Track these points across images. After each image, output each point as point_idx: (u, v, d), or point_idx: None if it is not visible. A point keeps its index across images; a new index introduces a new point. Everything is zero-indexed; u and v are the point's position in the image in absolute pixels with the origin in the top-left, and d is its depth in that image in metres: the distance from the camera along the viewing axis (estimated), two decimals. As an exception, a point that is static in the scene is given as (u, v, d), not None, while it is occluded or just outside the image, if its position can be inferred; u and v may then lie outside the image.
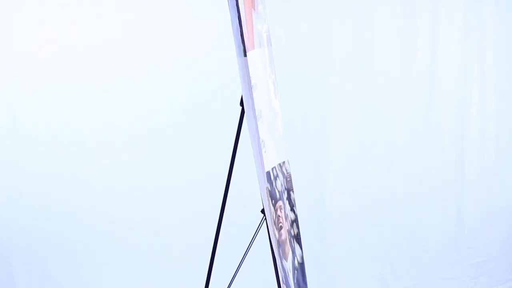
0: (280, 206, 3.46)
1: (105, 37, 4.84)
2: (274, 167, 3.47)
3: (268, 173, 3.39)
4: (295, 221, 3.68)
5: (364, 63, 5.14)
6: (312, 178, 5.10)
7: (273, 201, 3.41)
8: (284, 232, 3.47)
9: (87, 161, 4.92)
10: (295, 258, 3.61)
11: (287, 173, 3.66)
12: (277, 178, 3.48)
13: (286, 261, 3.46)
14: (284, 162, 3.61)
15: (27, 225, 4.87)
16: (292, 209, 3.67)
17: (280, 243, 3.42)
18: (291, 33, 5.00)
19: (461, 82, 5.27)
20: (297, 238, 3.67)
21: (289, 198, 3.64)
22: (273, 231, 3.18)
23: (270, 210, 3.19)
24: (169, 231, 5.02)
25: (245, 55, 3.03)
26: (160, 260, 4.99)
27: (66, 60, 4.83)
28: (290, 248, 3.52)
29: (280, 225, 3.44)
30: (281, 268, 3.34)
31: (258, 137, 3.13)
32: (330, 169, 5.17)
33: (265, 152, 3.38)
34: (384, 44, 5.13)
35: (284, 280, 3.34)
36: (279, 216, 3.44)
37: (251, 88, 3.08)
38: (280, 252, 3.41)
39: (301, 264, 3.67)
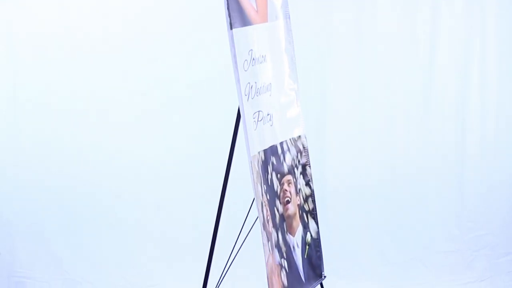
0: (289, 180, 3.45)
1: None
2: (285, 141, 3.45)
3: (274, 147, 3.37)
4: (310, 196, 3.67)
5: (364, 33, 5.12)
6: (312, 154, 5.08)
7: (279, 175, 3.40)
8: (292, 206, 3.46)
9: (89, 133, 4.91)
10: (308, 233, 3.60)
11: (304, 147, 3.64)
12: (287, 152, 3.47)
13: (293, 236, 3.46)
14: (299, 137, 3.60)
15: (28, 198, 4.86)
16: (308, 184, 3.66)
17: (285, 218, 3.42)
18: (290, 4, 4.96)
19: (461, 53, 5.24)
20: (312, 213, 3.66)
21: (304, 172, 3.63)
22: (262, 207, 3.16)
23: (256, 184, 3.16)
24: (171, 206, 5.02)
25: (231, 28, 3.05)
26: (162, 234, 5.00)
27: (66, 24, 4.80)
28: (300, 223, 3.52)
29: (286, 199, 3.43)
30: (281, 242, 3.34)
31: (244, 113, 3.11)
32: (330, 144, 5.16)
33: (271, 125, 3.36)
34: (385, 11, 5.10)
35: (285, 255, 3.34)
36: (285, 190, 3.43)
37: (237, 62, 3.08)
38: (285, 226, 3.40)
39: (316, 240, 3.67)
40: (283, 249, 3.37)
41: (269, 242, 3.20)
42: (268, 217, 3.24)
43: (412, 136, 5.30)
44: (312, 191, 3.69)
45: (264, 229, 3.16)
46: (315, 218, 3.66)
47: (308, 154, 3.64)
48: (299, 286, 3.46)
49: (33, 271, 4.77)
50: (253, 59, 3.24)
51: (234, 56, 3.09)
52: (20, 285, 4.71)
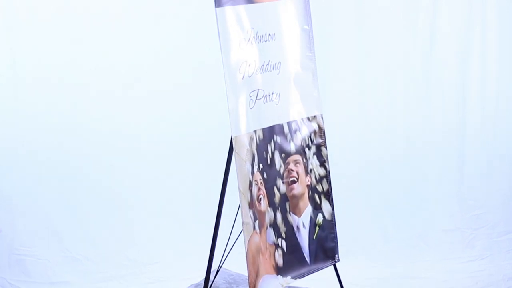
0: (296, 160, 3.42)
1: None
2: (295, 120, 3.42)
3: (279, 126, 3.35)
4: (325, 177, 3.62)
5: (364, 13, 5.10)
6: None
7: (283, 154, 3.38)
8: (299, 186, 3.44)
9: (92, 108, 4.90)
10: (320, 214, 3.57)
11: (320, 128, 3.59)
12: (297, 132, 3.43)
13: (298, 216, 3.43)
14: (315, 117, 3.56)
15: (28, 176, 4.84)
16: (323, 165, 3.61)
17: (288, 197, 3.40)
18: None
19: (462, 32, 5.23)
20: (327, 194, 3.61)
21: (319, 153, 3.59)
22: (249, 185, 3.16)
23: (244, 162, 3.15)
24: (172, 183, 5.02)
25: (217, 6, 3.05)
26: (163, 212, 5.00)
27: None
28: (309, 204, 3.49)
29: (291, 179, 3.41)
30: (279, 221, 3.32)
31: (231, 92, 3.11)
32: (330, 124, 5.10)
33: (276, 104, 3.34)
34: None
35: (283, 235, 3.33)
36: (291, 170, 3.41)
37: (220, 40, 3.07)
38: (287, 206, 3.38)
39: (330, 222, 3.62)
40: (282, 228, 3.36)
41: (257, 221, 3.19)
42: (261, 196, 3.23)
43: (412, 115, 5.30)
44: (328, 172, 3.62)
45: (250, 207, 3.15)
46: (329, 199, 3.61)
47: (324, 135, 3.59)
48: (301, 267, 3.45)
49: (33, 249, 4.76)
50: (254, 37, 3.21)
51: (226, 33, 3.07)
52: (20, 263, 4.70)
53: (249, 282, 3.17)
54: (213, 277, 3.62)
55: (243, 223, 3.14)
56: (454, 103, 5.32)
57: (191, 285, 4.09)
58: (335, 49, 5.13)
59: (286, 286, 3.37)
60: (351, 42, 5.17)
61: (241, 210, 3.13)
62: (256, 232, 3.19)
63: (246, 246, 3.14)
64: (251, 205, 3.18)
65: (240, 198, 3.13)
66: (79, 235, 4.85)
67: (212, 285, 3.72)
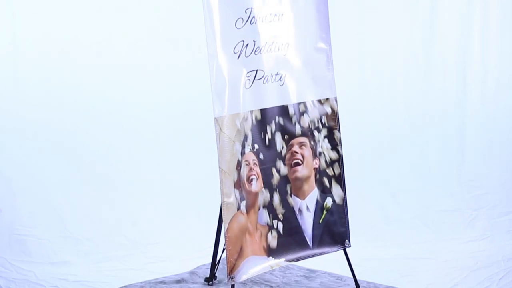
0: (302, 142, 3.39)
1: None
2: (303, 102, 3.38)
3: (282, 108, 3.33)
4: (337, 161, 3.57)
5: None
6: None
7: (286, 136, 3.36)
8: (305, 169, 3.40)
9: (89, 85, 4.89)
10: (329, 198, 3.52)
11: (333, 110, 3.53)
12: (304, 114, 3.40)
13: (302, 199, 3.40)
14: (328, 99, 3.50)
15: (29, 156, 4.82)
16: (335, 148, 3.56)
17: (290, 180, 3.38)
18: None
19: (463, 10, 5.22)
20: (338, 178, 3.56)
21: (331, 136, 3.54)
22: (238, 165, 3.17)
23: (233, 143, 3.15)
24: (173, 163, 5.02)
25: None
26: (163, 192, 5.00)
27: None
28: (315, 187, 3.46)
29: (295, 161, 3.38)
30: (276, 203, 3.32)
31: (219, 72, 3.11)
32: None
33: (281, 85, 3.32)
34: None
35: (280, 217, 3.32)
36: (295, 152, 3.37)
37: (207, 19, 3.08)
38: (288, 188, 3.36)
39: (340, 206, 3.56)
40: (279, 210, 3.35)
41: (244, 201, 3.19)
42: (253, 177, 3.23)
43: (412, 94, 5.29)
44: (341, 156, 3.58)
45: (236, 187, 3.15)
46: (341, 184, 3.56)
47: (337, 118, 3.54)
48: (300, 250, 3.42)
49: (33, 229, 4.75)
50: (253, 17, 3.18)
51: (220, 12, 3.07)
52: (20, 243, 4.69)
53: (227, 262, 3.16)
54: (220, 253, 3.63)
55: (222, 202, 3.13)
56: (454, 84, 5.32)
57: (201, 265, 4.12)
58: (335, 24, 5.08)
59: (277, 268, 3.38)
60: (351, 24, 5.14)
61: (222, 190, 3.12)
62: (241, 212, 3.19)
63: (226, 225, 3.13)
64: (237, 185, 3.17)
65: (220, 178, 3.12)
66: (79, 216, 4.84)
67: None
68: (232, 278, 3.17)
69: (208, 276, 3.78)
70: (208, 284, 3.74)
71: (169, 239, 4.85)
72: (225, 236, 3.14)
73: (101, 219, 4.86)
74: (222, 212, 3.15)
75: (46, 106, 4.81)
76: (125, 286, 3.84)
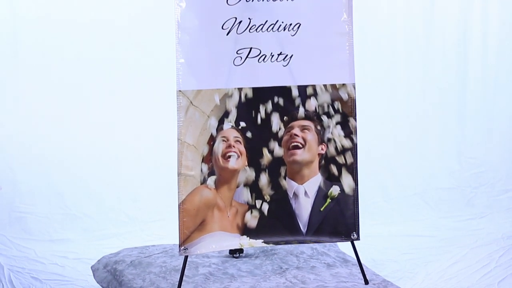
0: (304, 126, 3.29)
1: None
2: (311, 85, 3.30)
3: (284, 89, 3.28)
4: (350, 150, 3.35)
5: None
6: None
7: (286, 117, 3.31)
8: (306, 153, 3.29)
9: (87, 66, 4.87)
10: (336, 187, 3.35)
11: (349, 97, 3.34)
12: (312, 98, 3.30)
13: (299, 183, 3.32)
14: (344, 85, 3.32)
15: (29, 132, 4.82)
16: (349, 137, 3.34)
17: (285, 162, 3.31)
18: None
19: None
20: (350, 168, 3.35)
21: (345, 123, 3.34)
22: (211, 139, 3.19)
23: (208, 118, 3.17)
24: (173, 140, 4.98)
25: None
26: (163, 169, 4.98)
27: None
28: (319, 174, 3.32)
29: (293, 144, 3.31)
30: (264, 184, 3.29)
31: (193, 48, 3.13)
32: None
33: (284, 66, 3.28)
34: None
35: (267, 198, 3.29)
36: (294, 135, 3.28)
37: None
38: (282, 170, 3.31)
39: (349, 197, 3.36)
40: (266, 191, 3.30)
41: (213, 176, 3.19)
42: (231, 153, 3.22)
43: (412, 71, 5.27)
44: (355, 144, 3.35)
45: (204, 161, 3.17)
46: (353, 173, 3.36)
47: (354, 105, 3.33)
48: (288, 234, 3.32)
49: (33, 206, 4.76)
50: None
51: None
52: (21, 220, 4.70)
53: (180, 233, 3.15)
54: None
55: (179, 174, 3.14)
56: (454, 59, 5.30)
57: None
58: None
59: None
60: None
61: (180, 161, 3.14)
62: (206, 186, 3.19)
63: (183, 197, 3.15)
64: (206, 159, 3.18)
65: (179, 149, 3.15)
66: (79, 193, 4.84)
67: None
68: (186, 249, 3.16)
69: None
70: (233, 257, 3.67)
71: (169, 217, 4.85)
72: (179, 207, 3.14)
73: (101, 196, 4.87)
74: (178, 184, 3.15)
75: (45, 85, 4.82)
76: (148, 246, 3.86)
